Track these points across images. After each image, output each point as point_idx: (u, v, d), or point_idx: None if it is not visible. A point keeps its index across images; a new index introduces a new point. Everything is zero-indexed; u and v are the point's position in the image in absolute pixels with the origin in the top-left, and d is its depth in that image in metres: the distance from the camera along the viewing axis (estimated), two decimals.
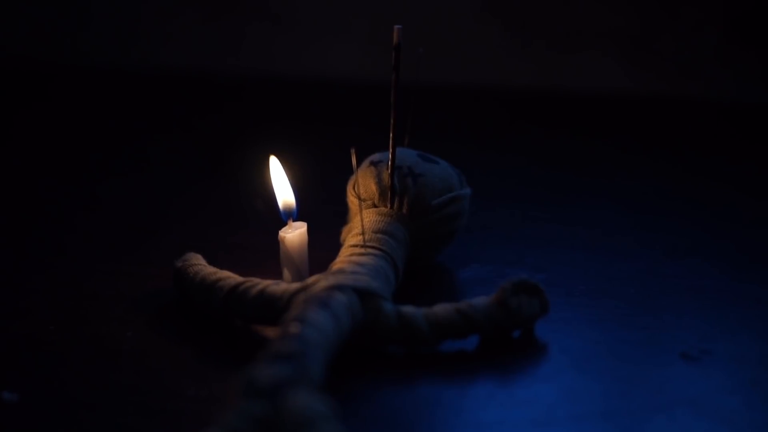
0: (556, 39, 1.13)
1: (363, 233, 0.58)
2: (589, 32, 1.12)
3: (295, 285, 0.54)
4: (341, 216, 0.64)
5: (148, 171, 0.87)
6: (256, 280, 0.56)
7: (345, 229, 0.62)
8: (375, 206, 0.61)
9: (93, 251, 0.68)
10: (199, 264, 0.58)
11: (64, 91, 1.15)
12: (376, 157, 0.63)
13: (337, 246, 0.60)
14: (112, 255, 0.67)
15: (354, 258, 0.56)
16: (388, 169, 0.60)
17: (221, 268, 0.58)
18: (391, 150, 0.60)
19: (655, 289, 0.62)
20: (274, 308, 0.54)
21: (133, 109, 1.07)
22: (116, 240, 0.70)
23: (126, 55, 1.22)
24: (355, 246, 0.58)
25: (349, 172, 0.61)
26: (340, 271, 0.55)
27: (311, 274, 0.57)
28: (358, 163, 0.62)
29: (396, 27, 0.58)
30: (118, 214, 0.76)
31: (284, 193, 0.62)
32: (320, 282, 0.53)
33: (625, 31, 1.11)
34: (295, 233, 0.60)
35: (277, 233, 0.60)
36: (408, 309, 0.53)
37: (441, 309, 0.53)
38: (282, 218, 0.62)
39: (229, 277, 0.56)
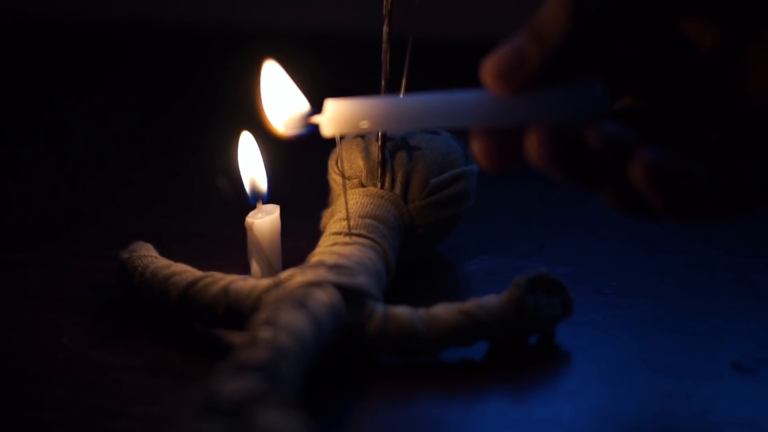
0: None
1: (348, 218, 0.58)
2: None
3: (266, 281, 0.55)
4: (321, 198, 0.64)
5: (64, 141, 0.86)
6: (218, 275, 0.56)
7: (326, 214, 0.62)
8: (362, 185, 0.61)
9: (4, 239, 0.68)
10: (149, 256, 0.58)
11: None
12: None
13: (316, 234, 0.60)
14: (29, 244, 0.67)
15: (337, 248, 0.56)
16: (377, 140, 0.60)
17: (176, 260, 0.58)
18: None
19: (702, 287, 0.62)
20: (239, 309, 0.54)
21: (41, 65, 1.06)
22: (31, 226, 0.70)
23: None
24: (339, 234, 0.58)
25: (331, 144, 0.61)
26: (320, 264, 0.55)
27: (285, 267, 0.57)
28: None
29: None
30: (27, 193, 0.75)
31: (252, 171, 0.62)
32: (296, 277, 0.54)
33: None
34: (265, 219, 0.60)
35: (244, 219, 0.60)
36: (402, 310, 0.53)
37: (442, 310, 0.53)
38: (249, 201, 0.62)
39: (186, 271, 0.56)
